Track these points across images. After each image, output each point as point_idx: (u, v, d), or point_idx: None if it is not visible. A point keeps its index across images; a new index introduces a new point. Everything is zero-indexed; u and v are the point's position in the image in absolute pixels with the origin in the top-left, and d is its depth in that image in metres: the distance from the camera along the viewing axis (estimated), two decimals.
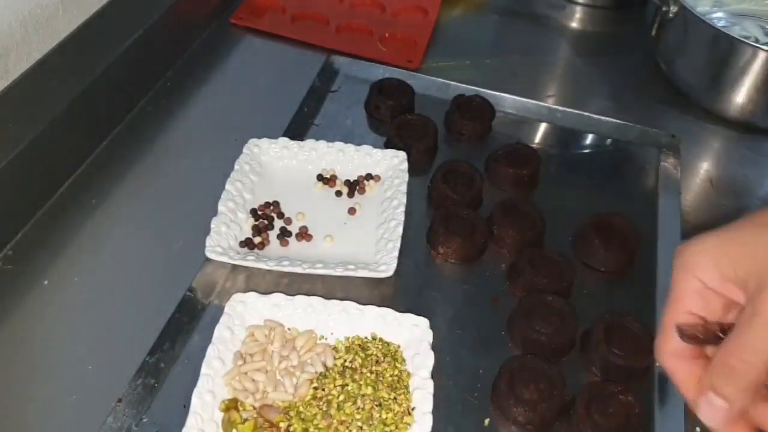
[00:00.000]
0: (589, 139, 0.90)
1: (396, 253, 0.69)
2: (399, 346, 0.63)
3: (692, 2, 0.95)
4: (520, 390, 0.61)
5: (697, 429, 0.62)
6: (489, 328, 0.68)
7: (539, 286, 0.69)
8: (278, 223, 0.74)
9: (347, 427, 0.57)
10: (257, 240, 0.71)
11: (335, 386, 0.59)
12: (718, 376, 0.40)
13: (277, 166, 0.79)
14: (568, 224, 0.77)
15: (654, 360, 0.65)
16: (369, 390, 0.59)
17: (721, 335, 0.42)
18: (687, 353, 0.44)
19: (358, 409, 0.58)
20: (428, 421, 0.57)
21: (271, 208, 0.75)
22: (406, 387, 0.60)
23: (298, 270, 0.67)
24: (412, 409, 0.58)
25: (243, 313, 0.64)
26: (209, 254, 0.68)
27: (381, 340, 0.64)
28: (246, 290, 0.66)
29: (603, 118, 0.91)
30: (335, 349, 0.63)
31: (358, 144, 0.81)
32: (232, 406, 0.58)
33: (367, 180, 0.78)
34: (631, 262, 0.74)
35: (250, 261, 0.68)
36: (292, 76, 0.94)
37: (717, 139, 0.94)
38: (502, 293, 0.71)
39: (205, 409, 0.56)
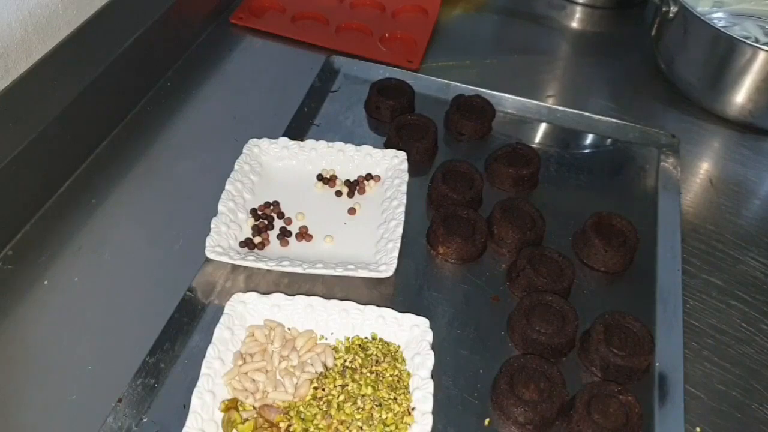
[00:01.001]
0: (589, 139, 0.90)
1: (396, 253, 0.69)
2: (399, 346, 0.63)
3: (692, 2, 0.95)
4: (520, 390, 0.61)
5: (697, 429, 0.63)
6: (489, 328, 0.68)
7: (539, 286, 0.69)
8: (278, 223, 0.74)
9: (347, 427, 0.57)
10: (257, 240, 0.71)
11: (335, 386, 0.59)
12: None
13: (277, 166, 0.79)
14: (568, 224, 0.77)
15: (654, 360, 0.65)
16: (369, 390, 0.59)
17: None
18: None
19: (358, 409, 0.58)
20: (428, 421, 0.57)
21: (271, 208, 0.75)
22: (406, 387, 0.60)
23: (298, 270, 0.67)
24: (412, 409, 0.58)
25: (243, 313, 0.64)
26: (209, 254, 0.68)
27: (381, 340, 0.64)
28: (246, 290, 0.66)
29: (603, 118, 0.91)
30: (335, 349, 0.63)
31: (358, 144, 0.81)
32: (232, 406, 0.58)
33: (367, 180, 0.78)
34: (631, 262, 0.74)
35: (250, 261, 0.68)
36: (292, 76, 0.94)
37: (717, 139, 0.94)
38: (502, 293, 0.71)
39: (205, 409, 0.56)
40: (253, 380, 0.59)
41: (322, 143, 0.80)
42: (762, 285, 0.75)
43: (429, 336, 0.63)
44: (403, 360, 0.62)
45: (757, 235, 0.81)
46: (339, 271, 0.68)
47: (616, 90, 1.01)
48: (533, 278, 0.69)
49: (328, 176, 0.78)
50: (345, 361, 0.61)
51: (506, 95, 0.92)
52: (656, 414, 0.62)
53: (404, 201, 0.74)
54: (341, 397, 0.58)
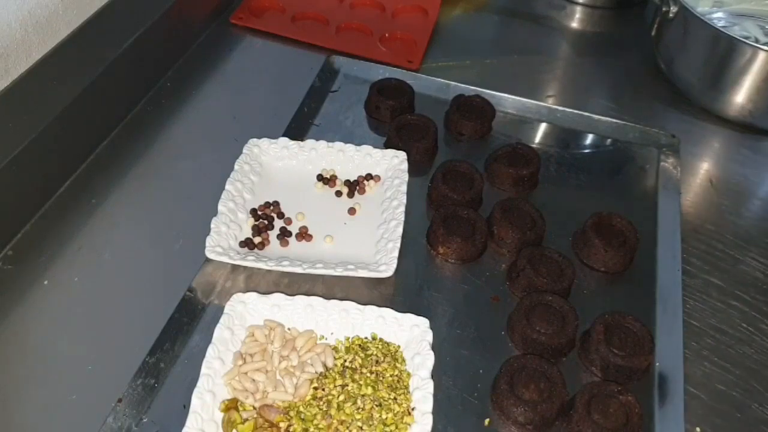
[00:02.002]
0: (589, 139, 0.90)
1: (396, 253, 0.69)
2: (399, 346, 0.63)
3: (692, 2, 0.95)
4: (520, 390, 0.61)
5: (697, 429, 0.63)
6: (489, 328, 0.68)
7: (539, 286, 0.69)
8: (278, 223, 0.74)
9: (347, 427, 0.57)
10: (257, 240, 0.71)
11: (335, 386, 0.59)
12: None
13: (277, 166, 0.79)
14: (568, 224, 0.77)
15: (654, 360, 0.65)
16: (369, 390, 0.59)
17: None
18: None
19: (358, 409, 0.58)
20: (428, 421, 0.57)
21: (271, 208, 0.75)
22: (406, 387, 0.60)
23: (298, 270, 0.67)
24: (412, 409, 0.58)
25: (243, 313, 0.64)
26: (209, 254, 0.68)
27: (381, 340, 0.64)
28: (246, 290, 0.66)
29: (603, 118, 0.91)
30: (335, 349, 0.63)
31: (358, 144, 0.81)
32: (232, 406, 0.58)
33: (367, 180, 0.78)
34: (631, 262, 0.74)
35: (250, 261, 0.68)
36: (292, 76, 0.94)
37: (717, 139, 0.94)
38: (502, 293, 0.71)
39: (205, 409, 0.56)
40: (253, 380, 0.59)
41: (322, 143, 0.80)
42: (762, 285, 0.75)
43: (429, 336, 0.63)
44: (403, 360, 0.62)
45: (757, 235, 0.81)
46: (339, 271, 0.68)
47: (616, 90, 1.01)
48: (533, 278, 0.69)
49: (328, 176, 0.78)
50: (345, 361, 0.61)
51: (506, 95, 0.92)
52: (656, 414, 0.62)
53: (404, 201, 0.74)
54: (341, 397, 0.58)
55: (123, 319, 0.66)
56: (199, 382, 0.58)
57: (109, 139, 0.82)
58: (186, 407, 0.56)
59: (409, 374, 0.61)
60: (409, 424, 0.57)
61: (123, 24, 0.85)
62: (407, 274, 0.71)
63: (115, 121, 0.84)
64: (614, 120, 0.91)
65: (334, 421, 0.57)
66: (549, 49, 1.08)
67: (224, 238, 0.70)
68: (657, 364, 0.66)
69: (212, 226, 0.70)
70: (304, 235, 0.73)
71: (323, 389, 0.59)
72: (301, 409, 0.58)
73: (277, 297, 0.64)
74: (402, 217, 0.73)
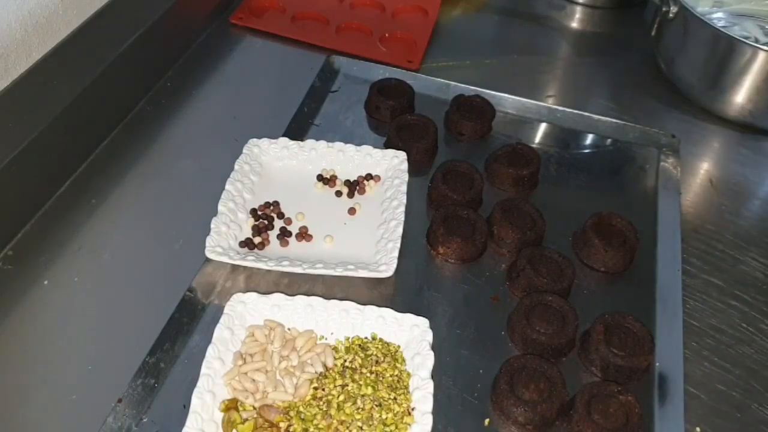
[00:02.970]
0: (589, 139, 0.90)
1: (396, 253, 0.69)
2: (399, 347, 0.63)
3: (692, 2, 0.95)
4: (520, 390, 0.61)
5: (697, 429, 0.63)
6: (489, 328, 0.68)
7: (539, 286, 0.69)
8: (278, 223, 0.74)
9: (347, 427, 0.57)
10: (257, 240, 0.71)
11: (335, 386, 0.59)
12: None
13: (277, 166, 0.79)
14: (568, 224, 0.77)
15: (654, 360, 0.65)
16: (369, 390, 0.59)
17: None
18: None
19: (358, 409, 0.58)
20: (428, 421, 0.56)
21: (271, 208, 0.75)
22: (406, 387, 0.60)
23: (298, 270, 0.67)
24: (412, 409, 0.58)
25: (243, 313, 0.64)
26: (209, 254, 0.68)
27: (381, 340, 0.64)
28: (246, 290, 0.66)
29: (603, 118, 0.91)
30: (335, 349, 0.63)
31: (358, 144, 0.81)
32: (232, 406, 0.58)
33: (367, 180, 0.78)
34: (631, 262, 0.74)
35: (250, 261, 0.68)
36: (292, 76, 0.94)
37: (717, 139, 0.94)
38: (502, 293, 0.71)
39: (205, 409, 0.56)
40: (253, 380, 0.59)
41: (322, 143, 0.80)
42: (762, 285, 0.75)
43: (429, 336, 0.63)
44: (403, 360, 0.62)
45: (757, 235, 0.81)
46: (339, 271, 0.68)
47: (616, 90, 1.01)
48: (533, 278, 0.69)
49: (328, 176, 0.78)
50: (345, 361, 0.61)
51: (506, 95, 0.92)
52: (656, 414, 0.62)
53: (404, 201, 0.74)
54: (341, 397, 0.58)
55: (123, 319, 0.66)
56: (199, 382, 0.58)
57: (109, 139, 0.82)
58: (186, 407, 0.56)
59: (409, 374, 0.61)
60: (409, 424, 0.57)
61: (123, 24, 0.85)
62: (407, 274, 0.71)
63: (115, 121, 0.84)
64: (614, 120, 0.91)
65: (334, 421, 0.57)
66: (549, 49, 1.08)
67: (224, 238, 0.70)
68: (657, 364, 0.66)
69: (212, 226, 0.70)
70: (304, 235, 0.73)
71: (323, 389, 0.59)
72: (301, 409, 0.58)
73: (277, 297, 0.64)
74: (402, 217, 0.73)
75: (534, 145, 0.86)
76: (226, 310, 0.63)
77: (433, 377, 0.60)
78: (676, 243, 0.76)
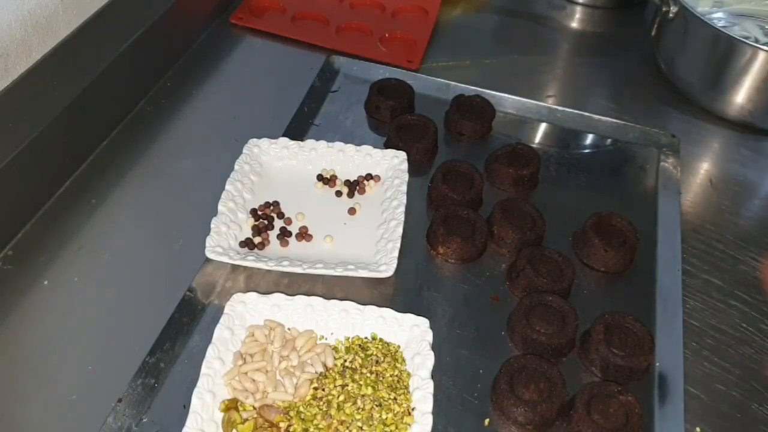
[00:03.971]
0: (589, 139, 0.90)
1: (396, 253, 0.69)
2: (399, 347, 0.63)
3: (692, 2, 0.95)
4: (520, 390, 0.61)
5: (697, 429, 0.63)
6: (489, 328, 0.68)
7: (539, 286, 0.69)
8: (278, 223, 0.74)
9: (347, 427, 0.57)
10: (257, 240, 0.71)
11: (335, 386, 0.59)
12: None
13: (277, 166, 0.79)
14: (568, 224, 0.77)
15: (654, 360, 0.65)
16: (369, 390, 0.59)
17: None
18: None
19: (358, 409, 0.58)
20: (428, 421, 0.57)
21: (271, 208, 0.75)
22: (406, 387, 0.60)
23: (298, 270, 0.67)
24: (412, 409, 0.58)
25: (243, 313, 0.64)
26: (209, 254, 0.68)
27: (381, 340, 0.64)
28: (246, 290, 0.66)
29: (603, 118, 0.91)
30: (335, 349, 0.63)
31: (358, 144, 0.81)
32: (232, 406, 0.58)
33: (367, 180, 0.78)
34: (631, 262, 0.74)
35: (250, 261, 0.68)
36: (292, 76, 0.94)
37: (717, 139, 0.94)
38: (502, 293, 0.71)
39: (205, 409, 0.56)
40: (253, 380, 0.59)
41: (322, 143, 0.80)
42: (762, 285, 0.75)
43: (429, 336, 0.63)
44: (403, 360, 0.62)
45: (757, 235, 0.81)
46: (339, 271, 0.68)
47: (616, 90, 1.01)
48: (533, 278, 0.69)
49: (328, 176, 0.78)
50: (345, 361, 0.61)
51: (506, 95, 0.92)
52: (656, 414, 0.62)
53: (404, 201, 0.74)
54: (341, 397, 0.58)
55: (123, 319, 0.66)
56: (199, 382, 0.58)
57: (109, 139, 0.82)
58: (186, 407, 0.56)
59: (409, 374, 0.61)
60: (409, 424, 0.57)
61: (123, 24, 0.85)
62: (407, 274, 0.71)
63: (115, 121, 0.84)
64: (614, 120, 0.91)
65: (334, 421, 0.57)
66: (549, 49, 1.08)
67: (224, 238, 0.70)
68: (657, 364, 0.66)
69: (212, 226, 0.70)
70: (304, 235, 0.73)
71: (323, 389, 0.59)
72: (301, 409, 0.58)
73: (277, 297, 0.64)
74: (402, 217, 0.73)
75: (534, 145, 0.86)
76: (226, 310, 0.63)
77: (433, 377, 0.60)
78: (676, 243, 0.76)
